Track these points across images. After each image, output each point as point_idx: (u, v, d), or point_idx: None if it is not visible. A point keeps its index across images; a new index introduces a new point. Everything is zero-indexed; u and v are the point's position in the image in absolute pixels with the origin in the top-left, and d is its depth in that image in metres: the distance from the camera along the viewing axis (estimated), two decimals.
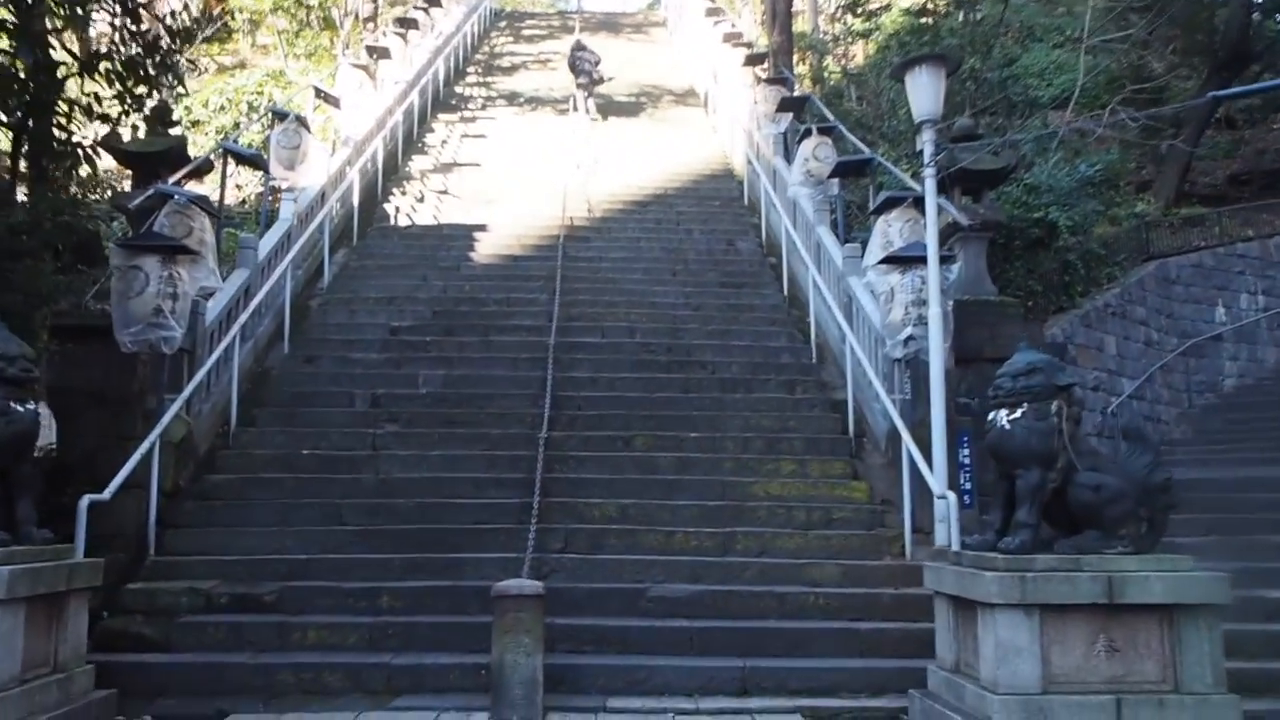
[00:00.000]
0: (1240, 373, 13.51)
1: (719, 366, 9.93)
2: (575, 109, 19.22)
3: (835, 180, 11.76)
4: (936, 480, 6.86)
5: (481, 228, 13.54)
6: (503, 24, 28.35)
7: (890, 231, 8.48)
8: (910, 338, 7.58)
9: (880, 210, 8.78)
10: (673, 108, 20.73)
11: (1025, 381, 5.04)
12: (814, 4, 24.33)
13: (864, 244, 9.94)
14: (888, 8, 23.61)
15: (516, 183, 15.14)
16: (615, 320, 10.88)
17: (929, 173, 7.47)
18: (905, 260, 7.76)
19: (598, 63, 20.07)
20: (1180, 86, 16.33)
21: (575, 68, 19.60)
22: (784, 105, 13.67)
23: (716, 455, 8.38)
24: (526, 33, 27.54)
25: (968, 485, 7.60)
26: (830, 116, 12.38)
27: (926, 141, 7.46)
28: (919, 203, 8.58)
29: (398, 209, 14.31)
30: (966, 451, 7.67)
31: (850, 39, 21.39)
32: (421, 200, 14.74)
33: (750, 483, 7.98)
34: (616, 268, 12.44)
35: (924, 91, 7.48)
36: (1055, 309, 10.53)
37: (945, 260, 7.51)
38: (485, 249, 12.98)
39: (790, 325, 10.97)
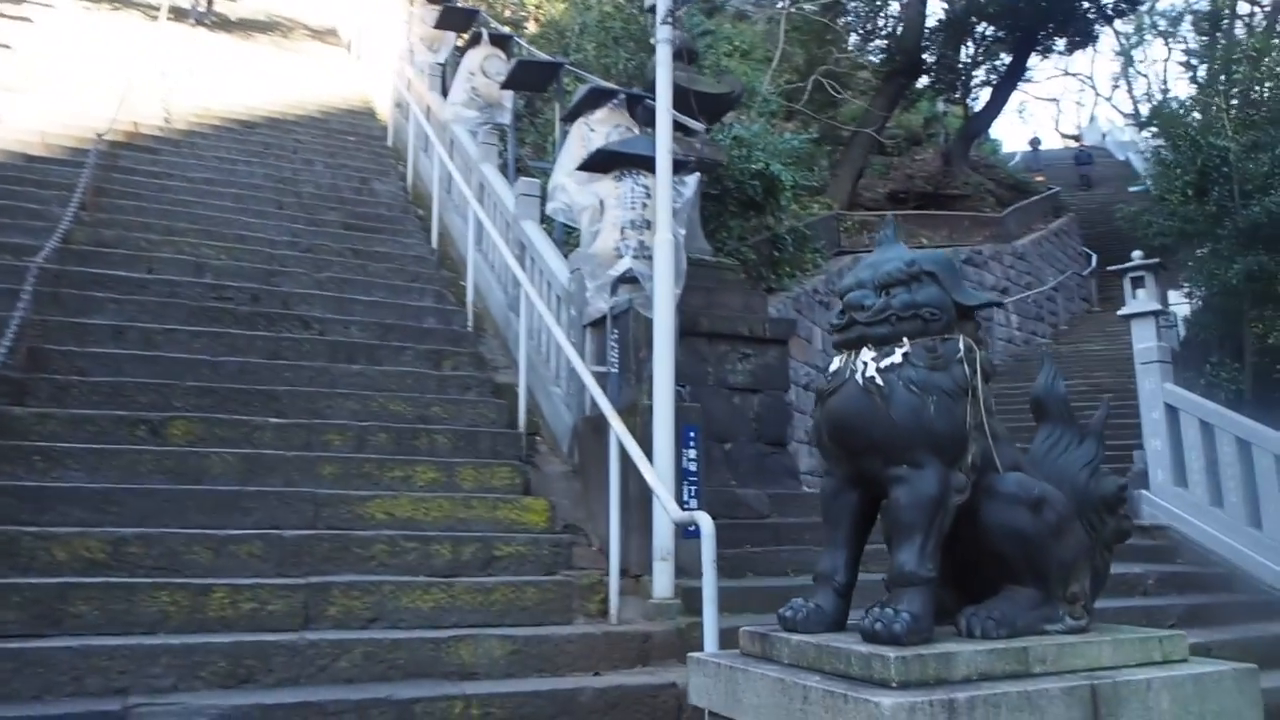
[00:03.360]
0: None
1: (330, 326, 6.73)
2: (179, 18, 14.93)
3: (509, 107, 9.10)
4: (664, 492, 4.35)
5: None
6: None
7: (593, 138, 5.93)
8: (628, 276, 5.02)
9: (578, 112, 6.21)
10: (307, 41, 16.99)
11: (907, 296, 2.62)
12: None
13: (543, 191, 7.40)
14: None
15: (65, 78, 10.74)
16: (176, 252, 7.22)
17: (663, 34, 5.02)
18: (621, 161, 5.21)
19: None
20: (864, 88, 16.14)
21: None
22: (445, 20, 10.75)
23: (311, 454, 5.20)
24: None
25: (693, 503, 5.18)
26: (505, 30, 9.69)
27: None
28: (634, 105, 6.16)
29: None
30: (693, 454, 5.26)
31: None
32: None
33: (364, 499, 4.91)
34: (195, 190, 8.68)
35: None
36: (766, 288, 8.79)
37: (680, 168, 5.09)
38: None
39: (440, 285, 8.05)
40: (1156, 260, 7.45)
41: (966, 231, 16.22)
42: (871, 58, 16.16)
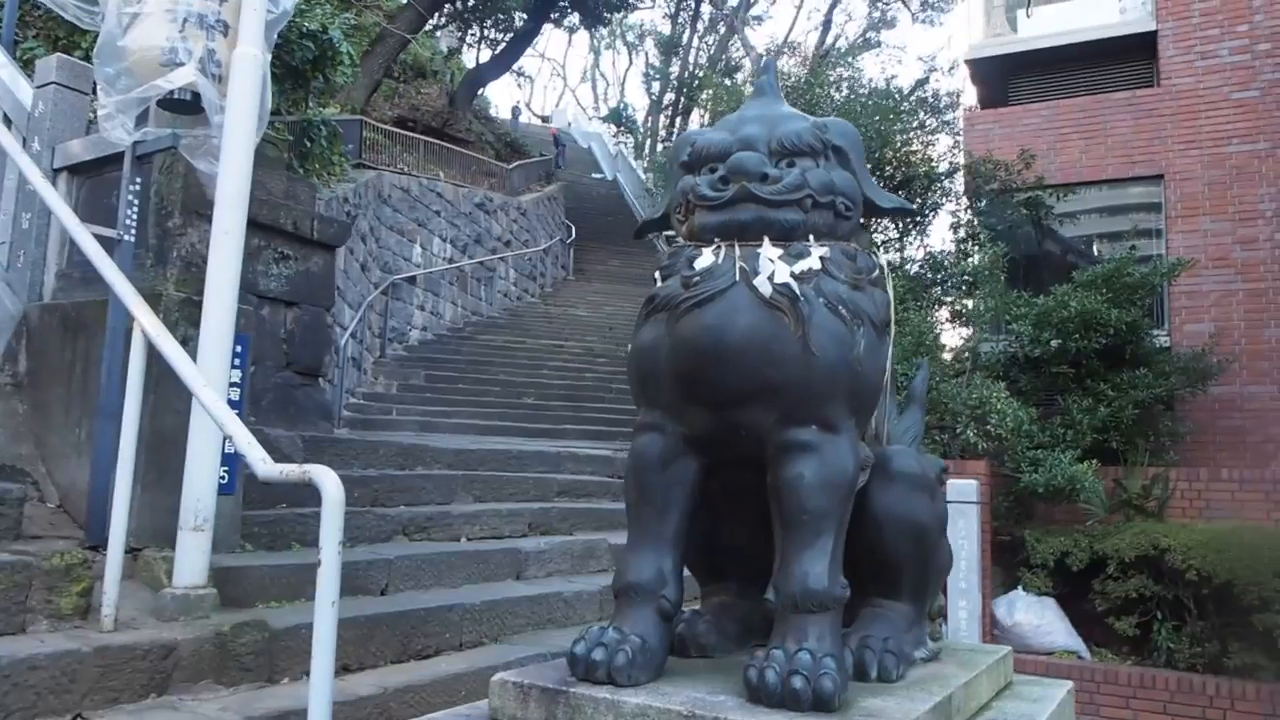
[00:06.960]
0: (424, 324, 11.89)
1: None
2: None
3: None
4: (239, 428, 2.91)
5: None
6: None
7: None
8: (182, 96, 3.26)
9: None
10: None
11: (824, 175, 1.76)
12: None
13: None
14: None
15: None
16: None
17: None
18: None
19: None
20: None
21: None
22: None
23: None
24: None
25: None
26: None
27: None
28: None
29: None
30: (240, 375, 3.73)
31: None
32: None
33: None
34: None
35: None
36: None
37: None
38: None
39: None
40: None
41: (475, 175, 15.72)
42: None
